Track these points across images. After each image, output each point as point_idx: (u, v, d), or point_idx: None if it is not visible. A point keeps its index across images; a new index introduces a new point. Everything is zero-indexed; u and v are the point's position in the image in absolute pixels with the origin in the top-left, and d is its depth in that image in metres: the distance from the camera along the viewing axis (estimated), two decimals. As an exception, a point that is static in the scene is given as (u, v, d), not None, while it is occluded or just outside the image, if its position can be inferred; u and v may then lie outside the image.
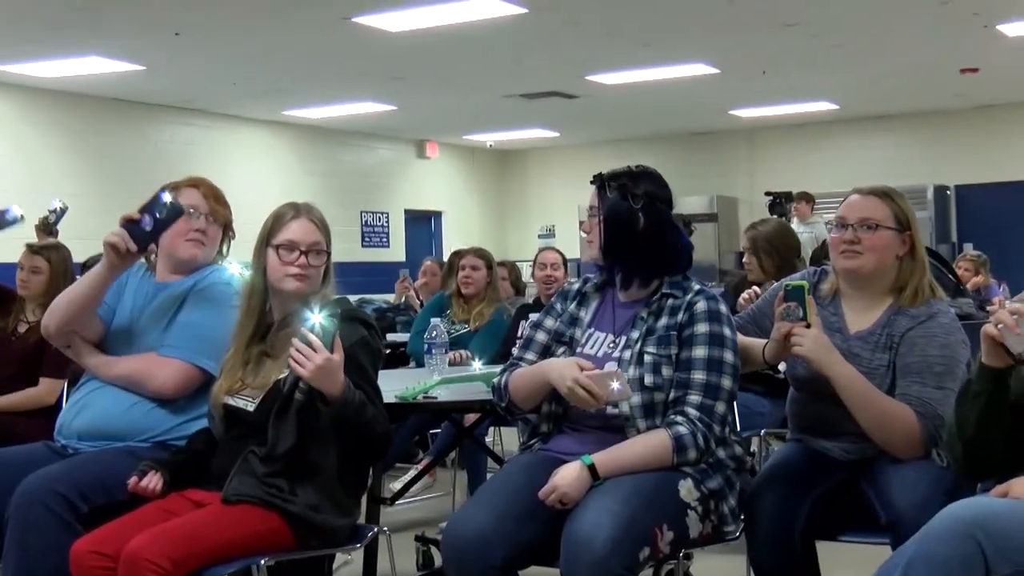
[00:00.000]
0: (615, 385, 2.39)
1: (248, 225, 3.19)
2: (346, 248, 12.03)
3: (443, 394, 3.19)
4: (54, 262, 4.27)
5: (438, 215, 14.85)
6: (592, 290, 2.70)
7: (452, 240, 14.33)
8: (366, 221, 13.41)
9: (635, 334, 2.55)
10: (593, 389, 2.38)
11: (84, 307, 2.91)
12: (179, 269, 3.05)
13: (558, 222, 14.97)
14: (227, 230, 3.14)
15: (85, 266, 4.73)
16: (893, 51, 9.27)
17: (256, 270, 2.77)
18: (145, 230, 2.78)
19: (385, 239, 13.80)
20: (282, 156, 12.38)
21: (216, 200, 3.08)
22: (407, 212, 14.20)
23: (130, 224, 2.80)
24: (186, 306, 2.96)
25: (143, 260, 3.13)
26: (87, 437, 2.90)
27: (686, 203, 13.34)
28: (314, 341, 2.44)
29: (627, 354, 2.53)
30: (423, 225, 14.70)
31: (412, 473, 4.58)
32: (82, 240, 7.70)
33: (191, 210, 3.00)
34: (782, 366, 2.77)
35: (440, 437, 4.90)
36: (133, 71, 9.23)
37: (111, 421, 2.89)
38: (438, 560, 4.04)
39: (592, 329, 2.64)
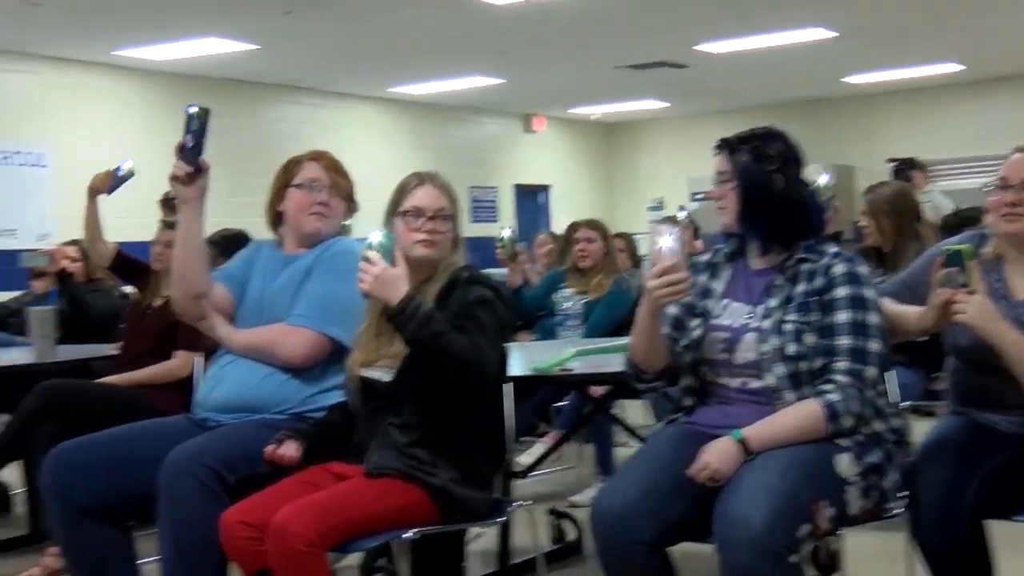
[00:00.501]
0: (665, 242, 2.31)
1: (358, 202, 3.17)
2: (456, 224, 12.01)
3: (579, 366, 3.13)
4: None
5: (546, 189, 14.79)
6: (723, 260, 2.61)
7: (561, 214, 14.26)
8: (475, 196, 13.42)
9: (773, 302, 2.45)
10: (660, 268, 2.31)
11: (191, 258, 2.93)
12: (305, 242, 3.05)
13: (668, 194, 14.76)
14: (350, 202, 3.12)
15: (211, 242, 4.81)
16: (1026, 6, 8.86)
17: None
18: (189, 147, 2.82)
19: (494, 214, 13.80)
20: (391, 133, 12.46)
21: (337, 172, 3.07)
22: (516, 187, 14.17)
23: (179, 152, 2.84)
24: (312, 276, 2.96)
25: (274, 236, 3.15)
26: (224, 410, 2.92)
27: (800, 173, 12.99)
28: (372, 256, 2.47)
29: (766, 323, 2.43)
30: (532, 199, 14.66)
31: (540, 446, 4.55)
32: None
33: (314, 183, 3.01)
34: None
35: (568, 409, 4.85)
36: (247, 51, 9.35)
37: (246, 393, 2.91)
38: (571, 534, 4.01)
39: (727, 300, 2.54)
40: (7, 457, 4.00)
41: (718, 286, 2.57)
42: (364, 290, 2.49)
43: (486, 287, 2.63)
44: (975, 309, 2.33)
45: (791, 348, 2.38)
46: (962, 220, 4.87)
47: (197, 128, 2.81)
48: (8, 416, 4.29)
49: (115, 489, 2.81)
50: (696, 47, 9.93)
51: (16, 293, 7.62)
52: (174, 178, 2.85)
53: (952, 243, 2.51)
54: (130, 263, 4.71)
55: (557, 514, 4.08)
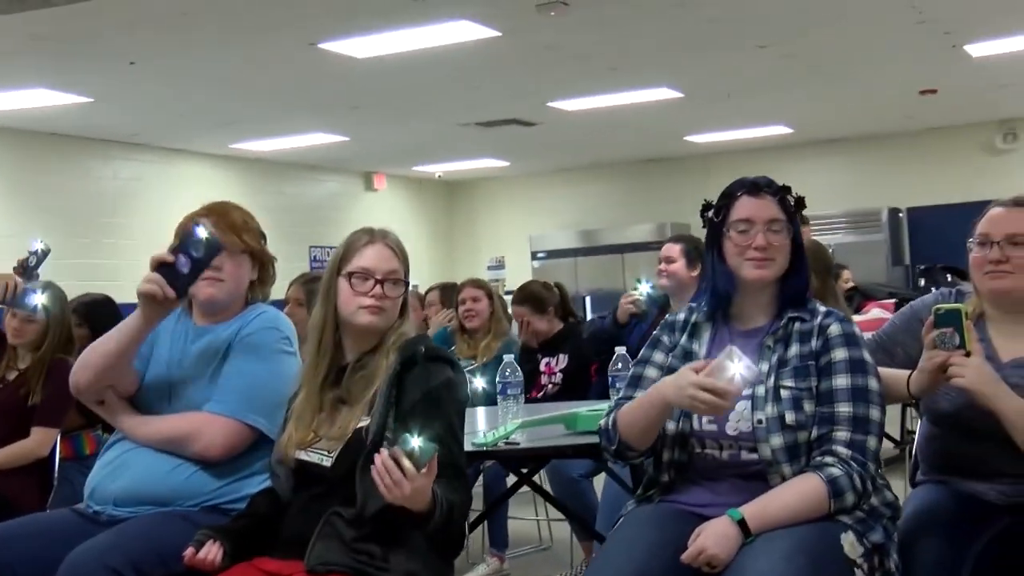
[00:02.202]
0: (738, 370, 2.09)
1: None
2: (296, 284, 11.60)
3: (524, 439, 2.89)
4: (49, 305, 3.87)
5: (386, 248, 14.49)
6: (703, 319, 2.43)
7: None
8: (315, 256, 12.99)
9: (764, 366, 2.28)
10: (716, 386, 2.10)
11: (118, 363, 2.60)
12: (209, 312, 2.71)
13: (508, 253, 14.73)
14: (258, 259, 2.77)
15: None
16: (859, 72, 9.19)
17: (326, 303, 2.45)
18: (183, 272, 2.45)
19: (336, 273, 13.40)
20: (230, 191, 11.89)
21: (229, 229, 2.69)
22: (356, 246, 13.84)
23: (164, 268, 2.46)
24: (232, 355, 2.64)
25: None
26: (124, 503, 2.57)
27: (636, 231, 13.27)
28: (407, 466, 2.08)
29: (760, 390, 2.26)
30: (372, 258, 14.32)
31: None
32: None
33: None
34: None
35: (487, 480, 4.58)
36: (79, 104, 8.75)
37: (151, 485, 2.57)
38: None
39: None
40: None
41: (699, 348, 2.39)
42: (388, 500, 2.12)
43: (446, 363, 2.38)
44: (973, 373, 2.21)
45: (790, 417, 2.22)
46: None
47: (202, 256, 2.44)
48: None
49: (-3, 601, 2.41)
50: (549, 104, 9.92)
51: None
52: (147, 295, 2.46)
53: (941, 302, 2.41)
54: None
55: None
